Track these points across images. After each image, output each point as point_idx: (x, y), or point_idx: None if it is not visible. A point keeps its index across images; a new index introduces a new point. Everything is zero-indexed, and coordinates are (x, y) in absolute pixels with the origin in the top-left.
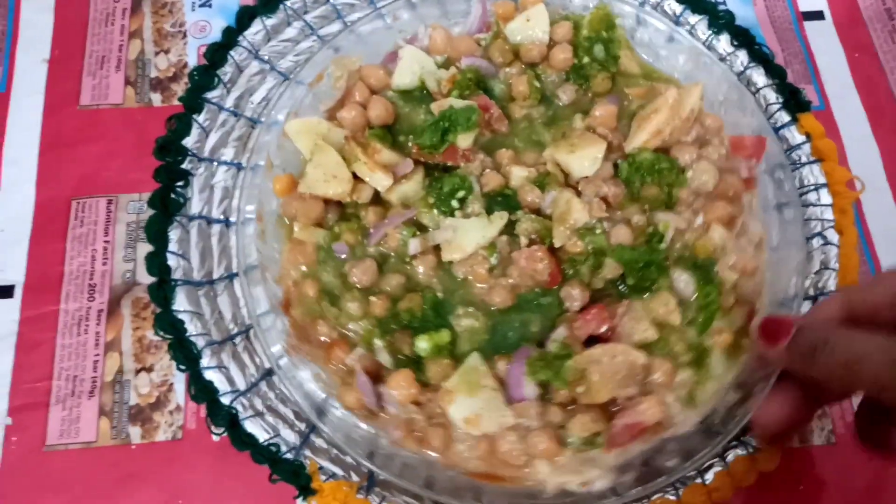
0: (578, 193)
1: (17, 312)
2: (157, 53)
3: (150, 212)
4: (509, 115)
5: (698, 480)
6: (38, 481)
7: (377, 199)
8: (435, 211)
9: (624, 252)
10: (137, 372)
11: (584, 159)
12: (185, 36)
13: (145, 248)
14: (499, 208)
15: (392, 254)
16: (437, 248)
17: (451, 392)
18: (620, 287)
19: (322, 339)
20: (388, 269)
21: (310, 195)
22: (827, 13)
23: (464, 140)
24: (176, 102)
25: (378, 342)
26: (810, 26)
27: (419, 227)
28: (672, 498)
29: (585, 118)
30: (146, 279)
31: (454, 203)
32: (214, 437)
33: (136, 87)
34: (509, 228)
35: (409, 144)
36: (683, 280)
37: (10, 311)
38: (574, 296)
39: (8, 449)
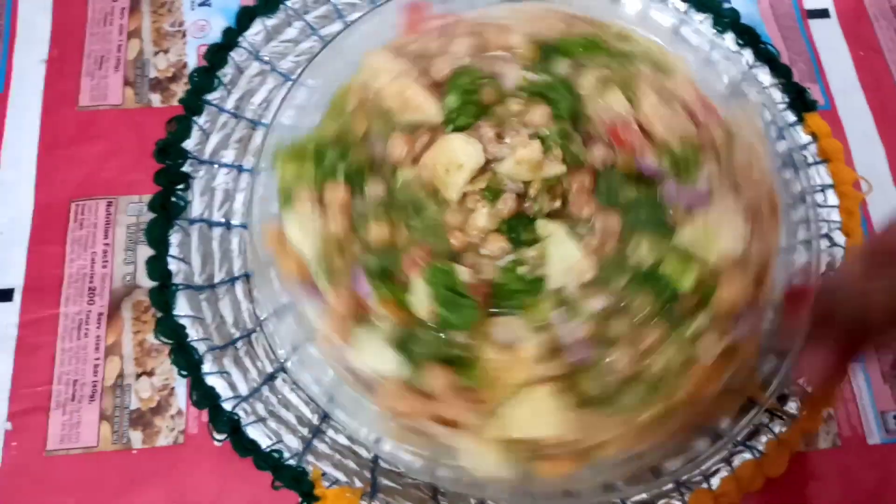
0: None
1: (17, 316)
2: (156, 53)
3: (151, 214)
4: None
5: (704, 486)
6: (39, 486)
7: None
8: None
9: None
10: (138, 376)
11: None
12: (184, 35)
13: (146, 250)
14: None
15: None
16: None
17: None
18: None
19: None
20: None
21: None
22: (832, 11)
23: None
24: (175, 103)
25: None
26: (815, 24)
27: None
28: (678, 503)
29: None
30: (147, 282)
31: None
32: (216, 442)
33: (135, 87)
34: None
35: None
36: None
37: (9, 315)
38: None
39: (8, 454)
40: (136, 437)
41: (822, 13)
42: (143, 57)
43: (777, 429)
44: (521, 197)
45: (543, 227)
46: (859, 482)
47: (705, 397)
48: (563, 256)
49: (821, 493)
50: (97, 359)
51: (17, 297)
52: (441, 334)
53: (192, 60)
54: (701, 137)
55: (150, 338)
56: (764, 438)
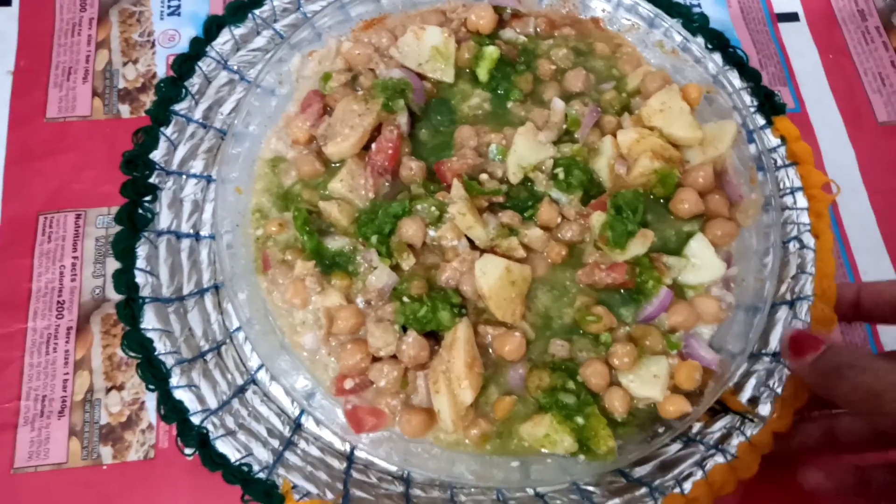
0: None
1: None
2: (125, 64)
3: (119, 227)
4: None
5: (676, 490)
6: None
7: None
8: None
9: None
10: (108, 390)
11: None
12: (153, 45)
13: (115, 263)
14: None
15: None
16: None
17: None
18: None
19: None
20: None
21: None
22: (801, 15)
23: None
24: (144, 114)
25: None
26: (785, 28)
27: None
28: None
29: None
30: (116, 295)
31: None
32: (187, 456)
33: (103, 98)
34: None
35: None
36: None
37: None
38: None
39: None
40: (107, 453)
41: (792, 17)
42: (112, 67)
43: (748, 431)
44: None
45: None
46: None
47: None
48: None
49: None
50: (66, 374)
51: None
52: None
53: (162, 70)
54: None
55: (120, 351)
56: (735, 441)
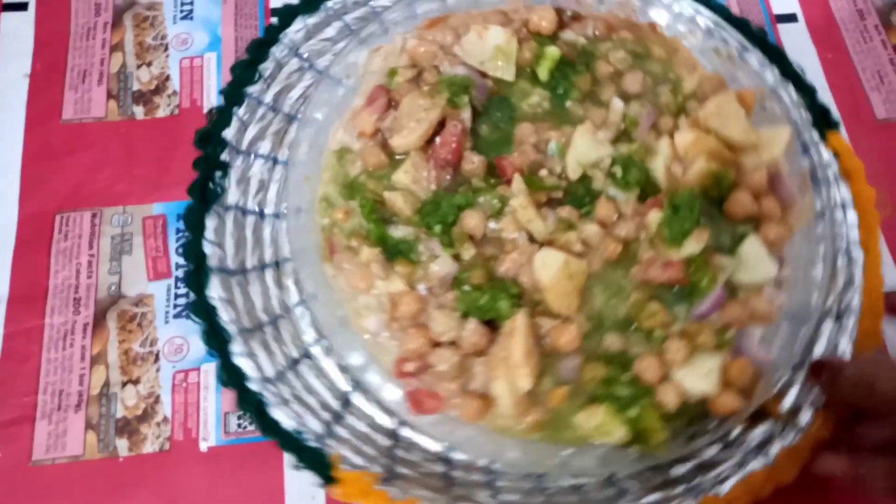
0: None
1: (2, 327)
2: (139, 66)
3: (135, 225)
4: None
5: (713, 492)
6: (25, 496)
7: None
8: None
9: None
10: (124, 385)
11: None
12: (166, 49)
13: (130, 261)
14: None
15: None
16: None
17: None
18: None
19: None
20: None
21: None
22: (800, 15)
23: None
24: (159, 115)
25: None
26: (784, 28)
27: None
28: None
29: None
30: (131, 292)
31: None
32: (202, 448)
33: (118, 100)
34: None
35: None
36: None
37: None
38: None
39: None
40: (123, 445)
41: (791, 17)
42: (126, 70)
43: (789, 438)
44: None
45: None
46: None
47: None
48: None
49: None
50: (83, 368)
51: (2, 307)
52: None
53: (175, 73)
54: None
55: (136, 346)
56: (776, 447)
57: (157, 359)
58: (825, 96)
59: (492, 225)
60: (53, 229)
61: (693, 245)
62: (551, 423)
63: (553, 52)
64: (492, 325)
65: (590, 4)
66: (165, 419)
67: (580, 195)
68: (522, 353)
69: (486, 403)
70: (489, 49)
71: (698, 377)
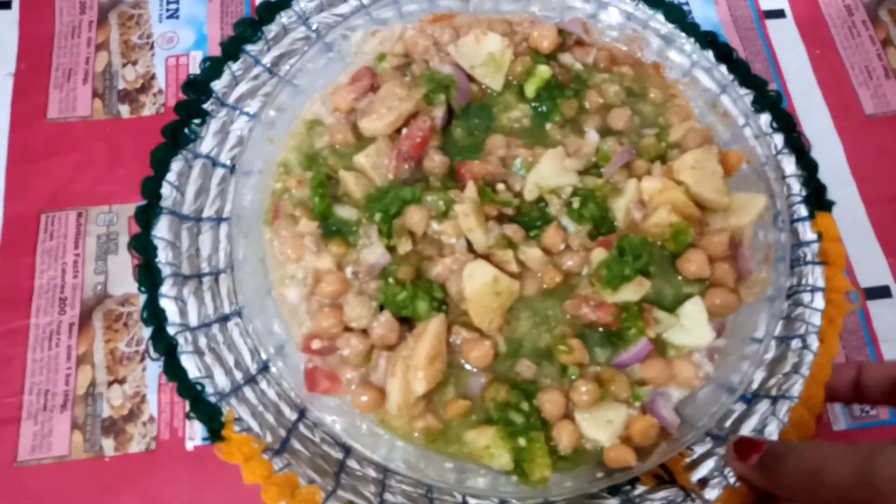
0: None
1: None
2: (124, 65)
3: (121, 224)
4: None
5: None
6: (10, 497)
7: None
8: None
9: None
10: (110, 384)
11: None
12: (152, 47)
13: (116, 260)
14: None
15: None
16: None
17: None
18: None
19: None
20: None
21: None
22: (788, 11)
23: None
24: (145, 114)
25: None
26: (772, 24)
27: None
28: None
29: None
30: (117, 291)
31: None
32: (188, 447)
33: (104, 99)
34: None
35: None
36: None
37: None
38: None
39: None
40: (109, 445)
41: (779, 13)
42: (112, 69)
43: None
44: None
45: None
46: None
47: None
48: None
49: None
50: (69, 368)
51: None
52: None
53: (161, 72)
54: None
55: (122, 346)
56: None
57: (143, 358)
58: (813, 92)
59: (435, 226)
60: (39, 229)
61: (630, 292)
62: (442, 434)
63: (544, 71)
64: (408, 323)
65: (598, 31)
66: (152, 418)
67: (532, 217)
68: (424, 357)
69: (382, 398)
70: (483, 55)
71: (598, 424)
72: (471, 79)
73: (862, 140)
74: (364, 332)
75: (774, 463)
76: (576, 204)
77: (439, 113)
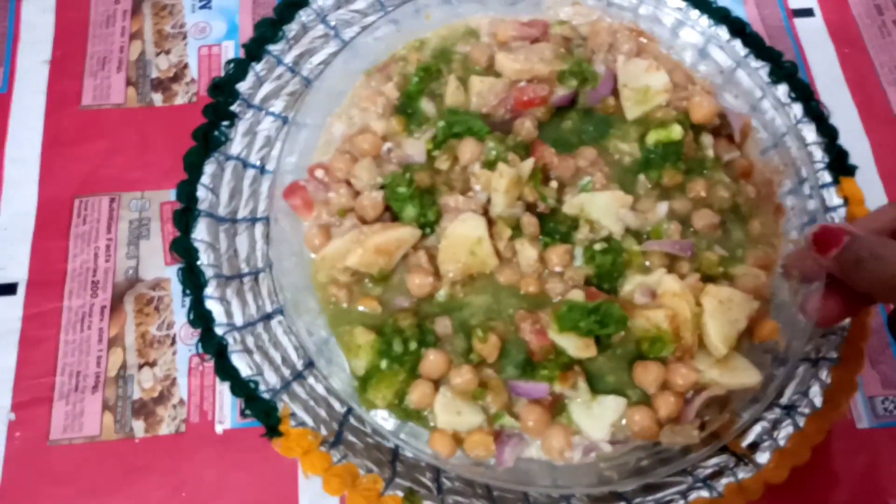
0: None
1: (21, 310)
2: (157, 54)
3: (153, 210)
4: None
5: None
6: (42, 475)
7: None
8: None
9: None
10: (140, 367)
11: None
12: (185, 37)
13: (147, 245)
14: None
15: None
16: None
17: None
18: None
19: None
20: None
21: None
22: (817, 10)
23: None
24: (177, 102)
25: None
26: (801, 23)
27: None
28: None
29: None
30: (148, 275)
31: None
32: (218, 430)
33: (137, 87)
34: None
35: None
36: None
37: (13, 309)
38: None
39: (11, 444)
40: (139, 427)
41: (808, 12)
42: (145, 58)
43: (740, 474)
44: None
45: None
46: (849, 465)
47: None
48: None
49: (812, 475)
50: (100, 350)
51: (21, 290)
52: None
53: (193, 61)
54: None
55: (153, 329)
56: (724, 481)
57: (173, 342)
58: (841, 91)
59: (476, 168)
60: (72, 213)
61: (572, 345)
62: (343, 314)
63: (676, 132)
64: (395, 220)
65: (750, 146)
66: (182, 401)
67: (557, 228)
68: (375, 244)
69: (327, 244)
70: (641, 82)
71: (446, 406)
72: (615, 92)
73: (890, 139)
74: (357, 194)
75: (855, 270)
76: (598, 247)
77: (561, 92)
